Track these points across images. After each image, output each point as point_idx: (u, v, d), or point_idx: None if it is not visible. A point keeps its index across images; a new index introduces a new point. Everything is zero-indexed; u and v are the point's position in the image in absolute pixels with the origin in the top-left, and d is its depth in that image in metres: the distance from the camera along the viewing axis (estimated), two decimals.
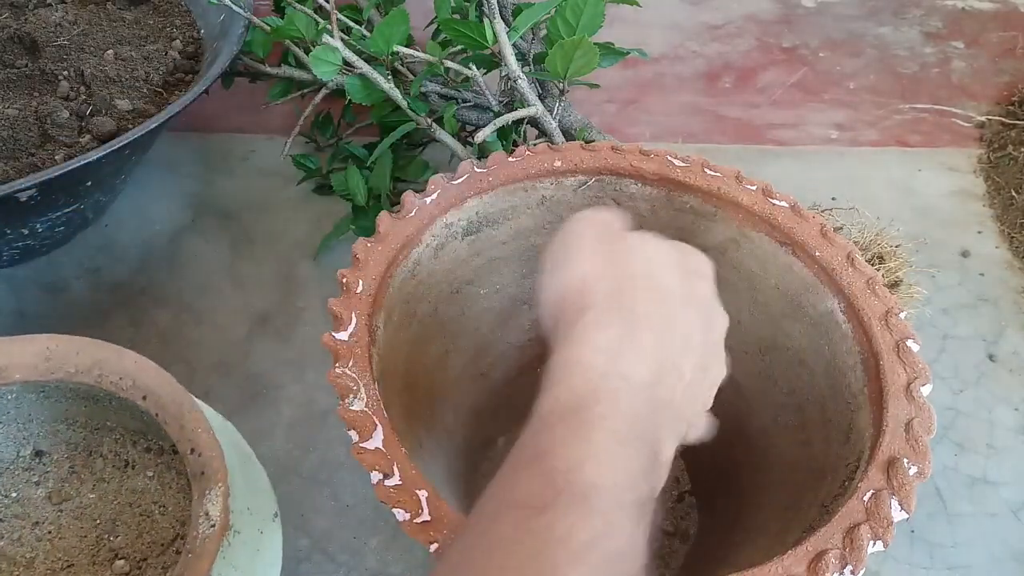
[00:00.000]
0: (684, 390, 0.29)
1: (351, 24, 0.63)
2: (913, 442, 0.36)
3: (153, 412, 0.39)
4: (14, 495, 0.44)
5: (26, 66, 0.64)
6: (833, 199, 0.76)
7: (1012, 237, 0.74)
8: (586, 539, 0.23)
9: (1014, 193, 0.77)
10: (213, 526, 0.34)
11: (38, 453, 0.45)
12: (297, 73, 0.70)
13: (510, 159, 0.49)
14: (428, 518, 0.33)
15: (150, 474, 0.45)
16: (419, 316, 0.47)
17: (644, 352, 0.28)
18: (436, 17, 0.61)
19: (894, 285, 0.59)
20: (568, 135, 0.66)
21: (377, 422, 0.35)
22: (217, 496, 0.35)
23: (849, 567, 0.32)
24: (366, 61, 0.59)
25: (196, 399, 0.40)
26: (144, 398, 0.40)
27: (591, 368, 0.27)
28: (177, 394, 0.39)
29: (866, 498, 0.34)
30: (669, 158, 0.49)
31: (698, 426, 0.32)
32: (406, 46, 0.58)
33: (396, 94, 0.60)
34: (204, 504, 0.35)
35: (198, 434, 0.38)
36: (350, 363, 0.37)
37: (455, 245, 0.48)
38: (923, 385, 0.39)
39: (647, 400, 0.27)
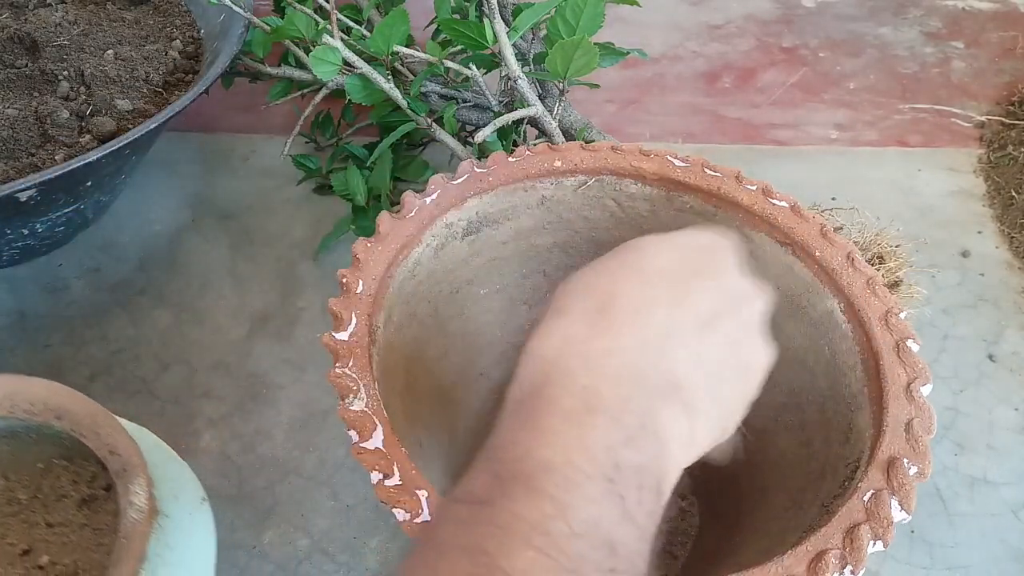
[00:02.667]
0: (688, 363, 0.26)
1: (351, 24, 0.63)
2: (913, 442, 0.36)
3: (69, 429, 0.41)
4: None
5: (26, 66, 0.64)
6: (833, 199, 0.76)
7: (1012, 237, 0.74)
8: (533, 521, 0.21)
9: (1014, 193, 0.77)
10: (141, 511, 0.37)
11: None
12: (297, 73, 0.70)
13: (510, 159, 0.49)
14: (428, 518, 0.33)
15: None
16: (419, 316, 0.47)
17: (613, 327, 0.26)
18: (436, 17, 0.61)
19: (894, 285, 0.59)
20: (568, 135, 0.66)
21: (377, 422, 0.35)
22: (141, 485, 0.38)
23: (849, 567, 0.32)
24: (366, 61, 0.59)
25: (108, 412, 0.42)
26: (59, 418, 0.41)
27: (544, 355, 0.26)
28: (89, 407, 0.41)
29: (866, 498, 0.34)
30: (669, 158, 0.49)
31: (721, 427, 0.28)
32: (406, 46, 0.58)
33: (396, 94, 0.60)
34: (129, 495, 0.37)
35: (113, 436, 0.40)
36: (350, 363, 0.37)
37: (455, 245, 0.48)
38: (923, 385, 0.39)
39: (618, 368, 0.25)
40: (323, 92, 0.67)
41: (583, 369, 0.25)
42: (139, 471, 0.38)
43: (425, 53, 0.59)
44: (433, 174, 0.48)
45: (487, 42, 0.54)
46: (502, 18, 0.58)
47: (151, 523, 0.37)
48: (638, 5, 0.61)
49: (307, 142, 0.80)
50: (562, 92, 0.57)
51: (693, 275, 0.28)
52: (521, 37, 0.58)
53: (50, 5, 0.70)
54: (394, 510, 0.33)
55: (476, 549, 0.21)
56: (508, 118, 0.56)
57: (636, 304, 0.27)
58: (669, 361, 0.26)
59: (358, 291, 0.40)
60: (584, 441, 0.23)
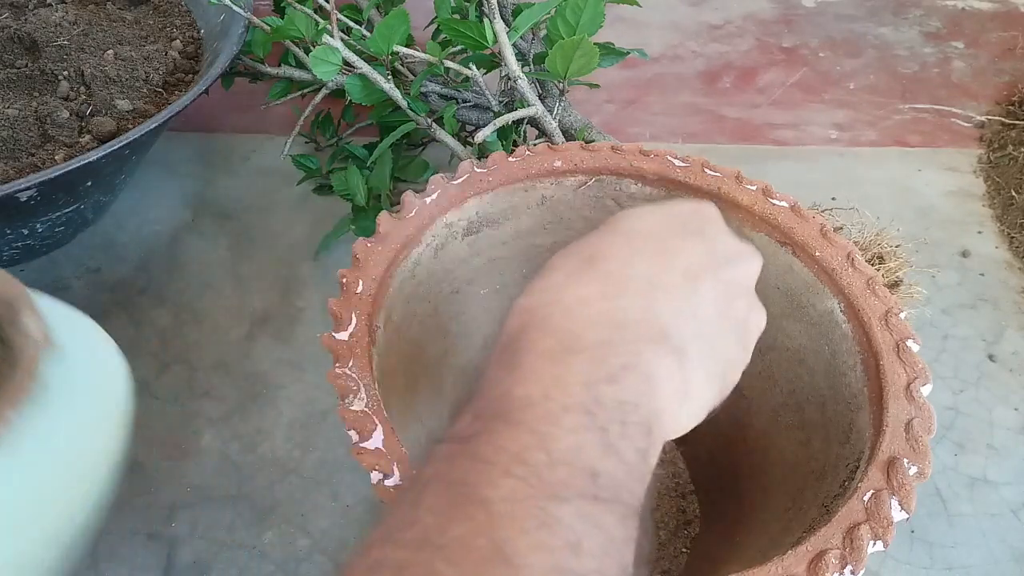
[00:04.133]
0: (675, 315, 0.26)
1: (351, 24, 0.63)
2: (913, 442, 0.36)
3: None
4: None
5: (26, 66, 0.64)
6: (833, 199, 0.75)
7: (1012, 237, 0.74)
8: (512, 452, 0.22)
9: (1014, 193, 0.77)
10: (28, 337, 0.33)
11: None
12: (297, 73, 0.70)
13: (510, 159, 0.49)
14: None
15: None
16: (419, 316, 0.47)
17: (595, 279, 0.27)
18: (436, 17, 0.61)
19: (894, 285, 0.59)
20: (568, 135, 0.66)
21: (377, 422, 0.35)
22: (25, 315, 0.34)
23: (849, 567, 0.32)
24: (366, 61, 0.59)
25: None
26: None
27: (526, 306, 0.26)
28: None
29: (866, 498, 0.34)
30: (669, 158, 0.49)
31: (717, 386, 0.28)
32: (406, 46, 0.58)
33: (396, 94, 0.60)
34: (14, 327, 0.34)
35: None
36: (350, 363, 0.37)
37: (455, 245, 0.48)
38: (923, 385, 0.39)
39: (597, 314, 0.26)
40: (323, 92, 0.67)
41: (561, 315, 0.26)
42: (20, 300, 0.34)
43: (425, 53, 0.59)
44: (433, 174, 0.48)
45: (487, 42, 0.54)
46: (502, 18, 0.58)
47: (40, 351, 0.33)
48: (638, 5, 0.61)
49: (307, 142, 0.80)
50: (562, 92, 0.57)
51: (679, 234, 0.29)
52: (521, 37, 0.58)
53: (50, 5, 0.70)
54: None
55: (457, 481, 0.22)
56: (508, 118, 0.56)
57: (619, 259, 0.27)
58: (653, 311, 0.26)
59: (358, 291, 0.40)
60: (561, 377, 0.24)
